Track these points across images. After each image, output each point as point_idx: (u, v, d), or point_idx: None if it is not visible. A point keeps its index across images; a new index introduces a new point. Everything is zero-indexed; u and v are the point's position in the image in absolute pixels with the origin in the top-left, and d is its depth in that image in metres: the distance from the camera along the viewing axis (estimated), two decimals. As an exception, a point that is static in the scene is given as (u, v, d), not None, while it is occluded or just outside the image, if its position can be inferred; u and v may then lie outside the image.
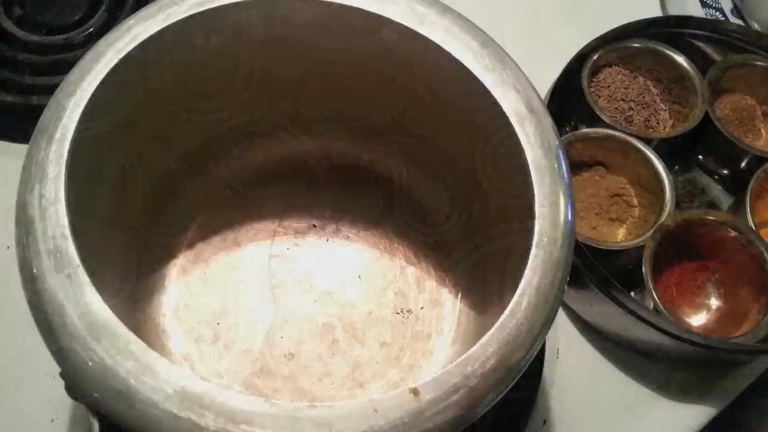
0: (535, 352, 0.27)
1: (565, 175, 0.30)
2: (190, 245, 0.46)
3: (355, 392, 0.43)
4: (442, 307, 0.46)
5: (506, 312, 0.27)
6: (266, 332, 0.44)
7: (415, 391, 0.25)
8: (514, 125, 0.31)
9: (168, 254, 0.45)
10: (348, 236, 0.47)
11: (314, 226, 0.47)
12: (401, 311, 0.45)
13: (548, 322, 0.28)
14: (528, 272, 0.28)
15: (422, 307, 0.45)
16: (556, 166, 0.31)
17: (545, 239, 0.28)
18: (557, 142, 0.31)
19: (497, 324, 0.27)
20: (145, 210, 0.42)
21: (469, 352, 0.26)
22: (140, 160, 0.39)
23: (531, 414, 0.46)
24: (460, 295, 0.46)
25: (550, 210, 0.29)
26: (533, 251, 0.28)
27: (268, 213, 0.47)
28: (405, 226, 0.48)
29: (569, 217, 0.29)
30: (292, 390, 0.43)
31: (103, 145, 0.33)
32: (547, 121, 0.32)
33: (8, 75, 0.51)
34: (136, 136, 0.36)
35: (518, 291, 0.27)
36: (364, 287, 0.46)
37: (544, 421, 0.47)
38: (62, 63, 0.51)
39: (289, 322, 0.44)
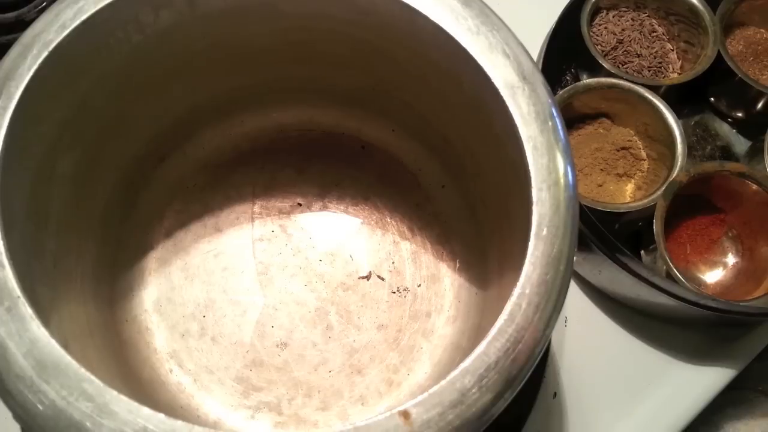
0: (539, 358, 0.24)
1: (565, 152, 0.27)
2: (168, 234, 0.43)
3: (353, 379, 0.41)
4: (441, 282, 0.43)
5: (504, 315, 0.24)
6: (256, 322, 0.42)
7: (405, 414, 0.22)
8: (504, 98, 0.27)
9: (145, 246, 0.42)
10: (336, 213, 0.44)
11: (299, 204, 0.44)
12: (397, 290, 0.43)
13: (552, 321, 0.25)
14: (527, 267, 0.25)
15: (419, 285, 0.43)
16: (554, 139, 0.27)
17: (544, 229, 0.25)
18: (554, 112, 0.28)
19: (495, 330, 0.24)
20: (114, 202, 0.39)
21: (465, 363, 0.23)
22: (99, 152, 0.35)
23: (540, 388, 0.44)
24: (458, 268, 0.43)
25: (549, 194, 0.26)
26: (532, 242, 0.25)
27: (249, 193, 0.44)
28: (397, 198, 0.44)
29: (571, 200, 0.26)
30: (287, 381, 0.41)
31: (50, 145, 0.30)
32: (542, 88, 0.28)
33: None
34: (88, 128, 0.33)
35: (516, 290, 0.24)
36: (356, 267, 0.43)
37: (554, 394, 0.45)
38: (16, 43, 0.47)
39: (280, 310, 0.42)
